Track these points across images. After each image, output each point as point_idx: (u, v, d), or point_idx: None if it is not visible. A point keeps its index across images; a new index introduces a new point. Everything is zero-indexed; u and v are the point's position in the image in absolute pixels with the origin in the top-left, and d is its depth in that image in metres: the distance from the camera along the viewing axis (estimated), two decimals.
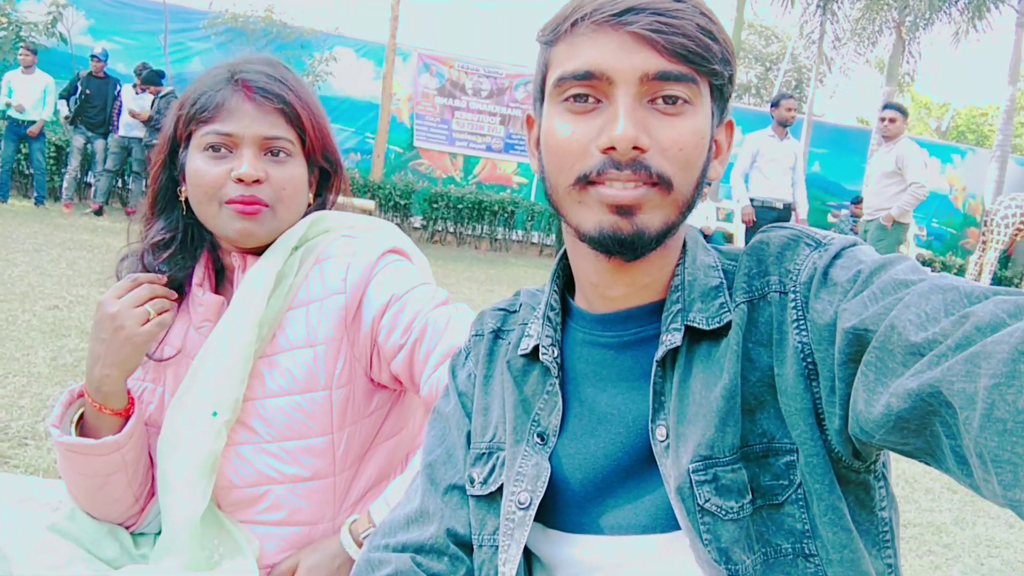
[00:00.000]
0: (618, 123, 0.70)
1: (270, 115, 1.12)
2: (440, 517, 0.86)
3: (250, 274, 1.13)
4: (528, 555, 0.84)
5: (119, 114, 9.43)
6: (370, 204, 9.49)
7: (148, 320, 1.09)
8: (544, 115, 0.78)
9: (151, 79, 9.14)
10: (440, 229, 12.05)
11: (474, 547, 0.84)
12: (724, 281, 0.78)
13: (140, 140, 9.34)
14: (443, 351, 1.08)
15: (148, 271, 1.15)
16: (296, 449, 1.12)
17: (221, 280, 1.22)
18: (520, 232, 12.69)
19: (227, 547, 1.12)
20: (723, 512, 0.70)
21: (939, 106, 29.62)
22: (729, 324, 0.74)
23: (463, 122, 13.46)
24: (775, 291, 0.74)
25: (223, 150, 1.11)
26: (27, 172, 10.01)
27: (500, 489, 0.82)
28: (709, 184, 0.96)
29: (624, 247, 0.73)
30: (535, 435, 0.81)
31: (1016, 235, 11.85)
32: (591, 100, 0.73)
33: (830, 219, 12.90)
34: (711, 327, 0.75)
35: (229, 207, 1.10)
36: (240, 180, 1.09)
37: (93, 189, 9.83)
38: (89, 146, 9.58)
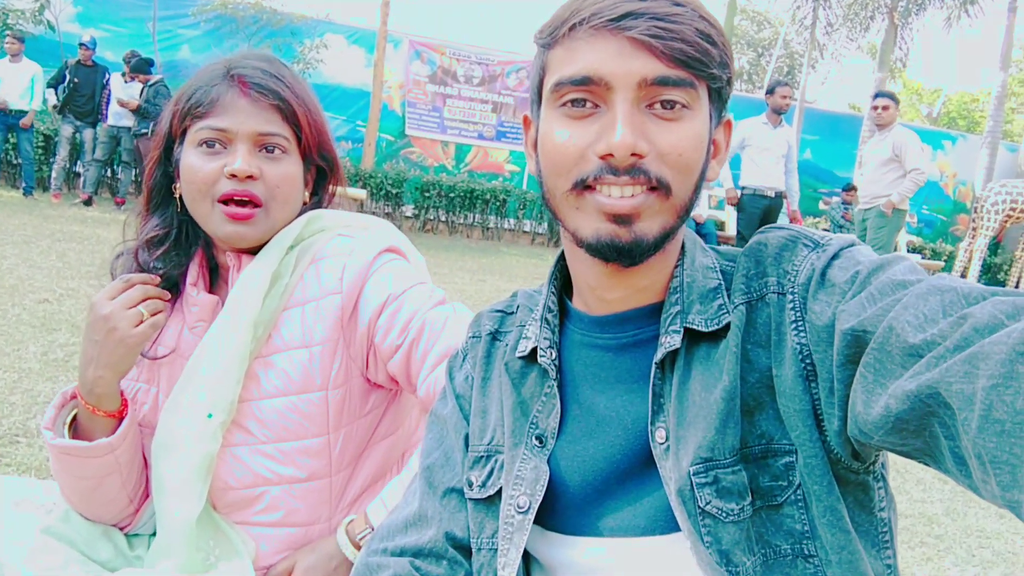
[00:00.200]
0: (616, 130, 0.70)
1: (265, 111, 1.11)
2: (438, 520, 0.86)
3: (245, 274, 1.12)
4: (527, 557, 0.84)
5: (108, 103, 9.32)
6: (361, 193, 9.45)
7: (141, 322, 1.08)
8: (542, 119, 0.77)
9: (140, 67, 9.01)
10: (432, 218, 12.02)
11: (473, 550, 0.84)
12: (722, 282, 0.78)
13: (129, 129, 9.23)
14: (440, 351, 1.07)
15: (143, 268, 1.15)
16: (292, 450, 1.12)
17: (215, 279, 1.21)
18: (512, 220, 12.68)
19: (223, 549, 1.11)
20: (724, 514, 0.70)
21: (930, 92, 29.67)
22: (728, 326, 0.74)
23: (455, 110, 13.40)
24: (773, 292, 0.74)
25: (217, 146, 1.10)
26: (15, 162, 9.92)
27: (499, 492, 0.82)
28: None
29: (622, 255, 0.73)
30: (533, 437, 0.81)
31: (1006, 221, 11.93)
32: (589, 105, 0.72)
33: (821, 206, 12.91)
34: (710, 329, 0.75)
35: (221, 210, 1.09)
36: (233, 176, 1.08)
37: (82, 179, 9.75)
38: (78, 135, 9.47)
